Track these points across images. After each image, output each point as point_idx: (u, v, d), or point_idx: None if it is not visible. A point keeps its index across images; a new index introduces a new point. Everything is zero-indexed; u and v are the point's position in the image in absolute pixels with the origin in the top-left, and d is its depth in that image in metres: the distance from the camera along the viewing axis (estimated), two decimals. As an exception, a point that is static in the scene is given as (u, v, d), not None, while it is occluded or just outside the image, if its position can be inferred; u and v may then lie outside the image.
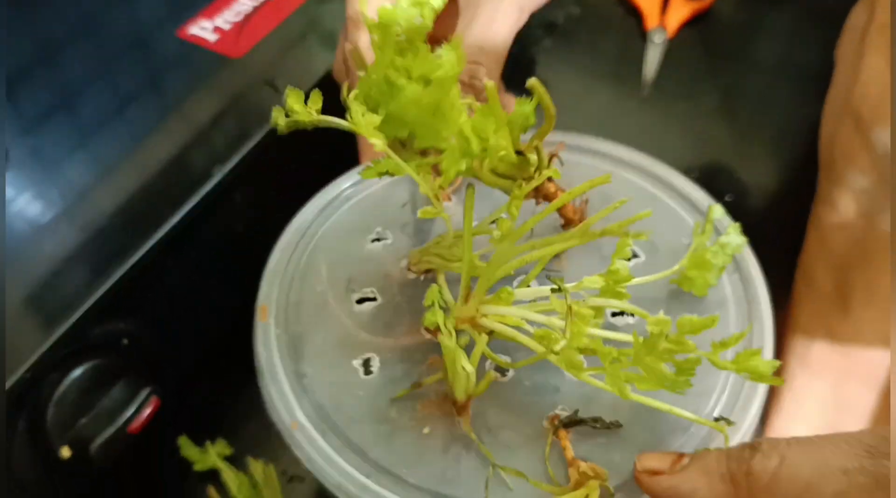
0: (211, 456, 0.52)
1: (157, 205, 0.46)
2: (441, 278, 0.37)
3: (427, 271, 0.38)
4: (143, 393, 0.44)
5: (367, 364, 0.35)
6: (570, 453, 0.32)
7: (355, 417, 0.34)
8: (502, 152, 0.31)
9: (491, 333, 0.33)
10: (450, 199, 0.41)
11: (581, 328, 0.31)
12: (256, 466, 0.51)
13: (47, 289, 0.43)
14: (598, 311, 0.31)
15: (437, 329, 0.35)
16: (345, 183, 0.43)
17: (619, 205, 0.31)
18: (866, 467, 0.26)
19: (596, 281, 0.32)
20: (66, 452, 0.43)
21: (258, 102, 0.51)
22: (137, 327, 0.47)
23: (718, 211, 0.40)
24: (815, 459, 0.27)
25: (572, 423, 0.33)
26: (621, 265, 0.32)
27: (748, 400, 0.34)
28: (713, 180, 0.51)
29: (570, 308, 0.31)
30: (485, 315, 0.33)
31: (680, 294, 0.37)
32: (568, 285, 0.32)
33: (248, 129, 0.49)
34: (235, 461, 0.51)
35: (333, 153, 0.52)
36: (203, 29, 0.55)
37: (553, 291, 0.32)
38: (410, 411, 0.34)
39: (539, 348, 0.31)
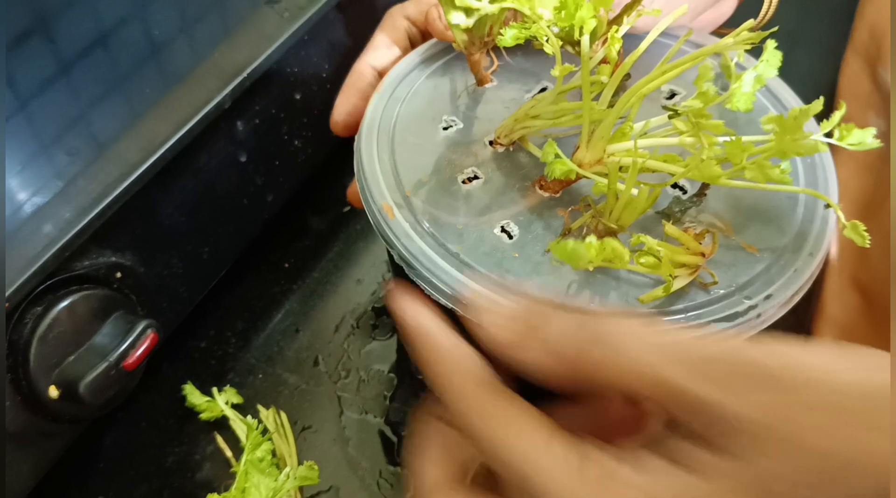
0: (218, 404, 0.50)
1: (155, 131, 0.44)
2: (528, 142, 0.40)
3: (512, 143, 0.40)
4: (140, 326, 0.42)
5: (505, 230, 0.37)
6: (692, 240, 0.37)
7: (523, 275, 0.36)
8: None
9: (619, 169, 0.37)
10: (492, 80, 0.44)
11: (712, 140, 0.35)
12: (268, 415, 0.50)
13: (32, 218, 0.40)
14: (718, 126, 0.36)
15: (559, 182, 0.38)
16: (391, 82, 0.44)
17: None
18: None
19: (696, 103, 0.37)
20: (53, 391, 0.40)
21: (260, 26, 0.51)
22: (133, 262, 0.45)
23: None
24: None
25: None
26: (708, 86, 0.38)
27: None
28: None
29: (696, 125, 0.36)
30: (612, 154, 0.37)
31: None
32: (669, 107, 0.36)
33: (249, 53, 0.48)
34: (242, 411, 0.51)
35: (332, 88, 0.53)
36: None
37: (670, 117, 0.37)
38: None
39: (676, 169, 0.36)
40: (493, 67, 0.44)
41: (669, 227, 0.35)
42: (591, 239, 0.32)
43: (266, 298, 0.57)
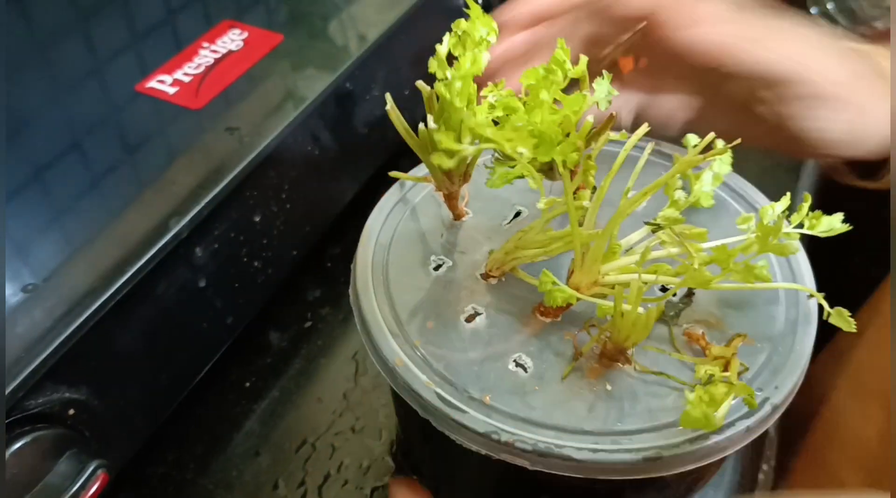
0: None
1: (111, 260, 0.44)
2: (521, 272, 0.41)
3: (504, 274, 0.42)
4: (90, 467, 0.42)
5: (519, 364, 0.39)
6: (703, 341, 0.39)
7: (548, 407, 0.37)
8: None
9: (613, 287, 0.38)
10: (467, 212, 0.45)
11: (698, 248, 0.37)
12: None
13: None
14: (702, 234, 0.38)
15: (559, 307, 0.39)
16: (372, 231, 0.45)
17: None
18: None
19: (671, 212, 0.39)
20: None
21: (217, 153, 0.51)
22: (87, 396, 0.44)
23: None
24: None
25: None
26: (680, 195, 0.40)
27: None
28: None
29: (681, 236, 0.38)
30: (607, 273, 0.38)
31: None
32: (651, 222, 0.39)
33: (205, 182, 0.48)
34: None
35: (292, 207, 0.55)
36: (162, 82, 0.56)
37: (653, 230, 0.39)
38: (580, 382, 0.38)
39: (673, 280, 0.38)
40: (466, 200, 0.45)
41: (716, 349, 0.38)
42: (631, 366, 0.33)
43: (226, 420, 0.56)
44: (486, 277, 0.42)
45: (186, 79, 0.56)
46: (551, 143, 0.35)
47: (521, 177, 0.36)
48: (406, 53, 0.65)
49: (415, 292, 0.42)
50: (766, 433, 0.60)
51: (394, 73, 0.64)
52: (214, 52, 0.59)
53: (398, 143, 0.41)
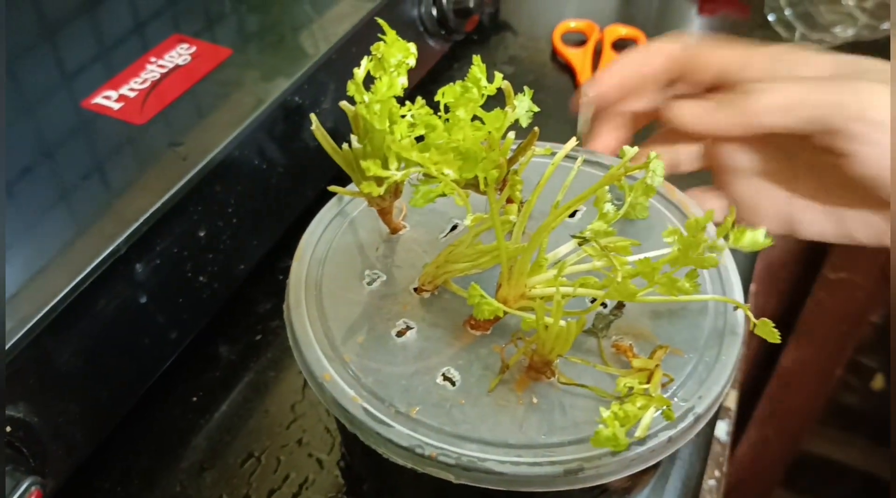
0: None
1: (49, 276, 0.44)
2: (453, 285, 0.42)
3: (436, 288, 0.42)
4: (24, 484, 0.41)
5: (447, 377, 0.39)
6: (630, 353, 0.40)
7: (473, 420, 0.38)
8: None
9: (539, 300, 0.39)
10: (404, 226, 0.45)
11: (623, 261, 0.38)
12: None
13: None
14: (626, 247, 0.39)
15: (488, 320, 0.40)
16: (309, 244, 0.45)
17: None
18: None
19: (599, 225, 0.40)
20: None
21: (160, 169, 0.51)
22: (25, 413, 0.44)
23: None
24: None
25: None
26: (609, 208, 0.41)
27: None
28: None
29: (606, 249, 0.38)
30: (533, 286, 0.39)
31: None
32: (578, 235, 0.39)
33: (146, 198, 0.49)
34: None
35: (239, 221, 0.55)
36: (107, 98, 0.56)
37: (579, 243, 0.39)
38: (508, 395, 0.39)
39: (597, 293, 0.38)
40: (403, 214, 0.46)
41: (638, 361, 0.38)
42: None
43: (172, 434, 0.56)
44: (419, 290, 0.43)
45: (132, 94, 0.56)
46: (474, 160, 0.35)
47: (444, 195, 0.36)
48: (356, 67, 0.65)
49: (349, 307, 0.42)
50: (713, 439, 0.60)
51: (344, 87, 0.64)
52: (161, 66, 0.59)
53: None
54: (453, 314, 0.42)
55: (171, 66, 0.59)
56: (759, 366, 1.17)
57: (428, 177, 0.38)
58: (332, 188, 0.46)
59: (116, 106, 0.55)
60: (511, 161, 0.40)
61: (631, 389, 0.36)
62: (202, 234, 0.54)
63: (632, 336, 0.40)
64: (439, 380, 0.39)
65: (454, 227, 0.46)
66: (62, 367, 0.46)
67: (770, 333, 0.38)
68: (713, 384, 0.39)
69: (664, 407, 0.36)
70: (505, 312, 0.39)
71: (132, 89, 0.57)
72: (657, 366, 0.38)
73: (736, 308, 0.41)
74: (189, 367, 0.58)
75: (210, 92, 0.57)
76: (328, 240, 0.45)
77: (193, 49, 0.61)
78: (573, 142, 0.40)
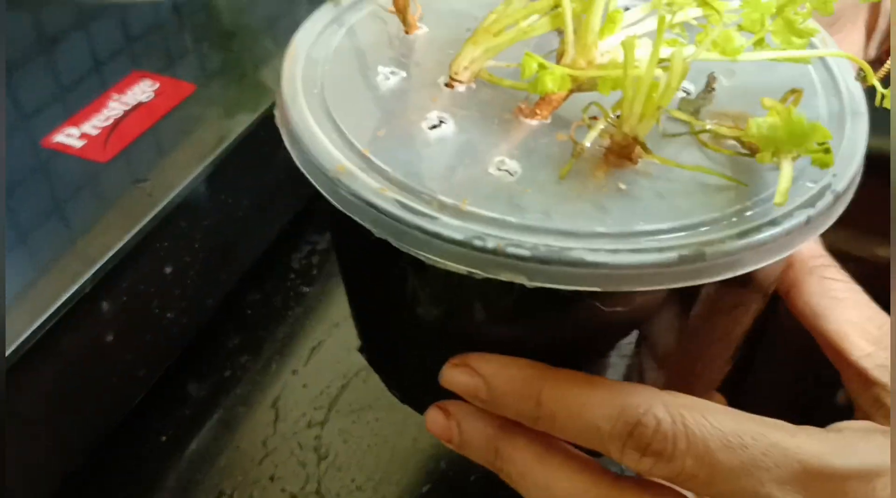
0: None
1: (11, 316, 0.42)
2: (492, 76, 0.33)
3: (474, 78, 0.34)
4: None
5: (500, 168, 0.30)
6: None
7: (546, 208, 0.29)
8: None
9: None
10: (420, 27, 0.37)
11: (720, 6, 0.30)
12: None
13: None
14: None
15: (549, 102, 0.31)
16: (304, 43, 0.36)
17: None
18: None
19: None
20: None
21: (124, 206, 0.49)
22: None
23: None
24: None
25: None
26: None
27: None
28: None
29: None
30: (604, 53, 0.31)
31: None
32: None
33: (110, 235, 0.47)
34: None
35: (206, 256, 0.54)
36: (69, 136, 0.53)
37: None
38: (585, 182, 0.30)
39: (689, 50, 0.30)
40: (419, 12, 0.37)
41: (769, 100, 0.29)
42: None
43: (140, 476, 0.53)
44: (450, 84, 0.34)
45: (94, 131, 0.53)
46: None
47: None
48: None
49: (360, 103, 0.33)
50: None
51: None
52: (124, 103, 0.56)
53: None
54: (497, 107, 0.32)
55: (133, 103, 0.56)
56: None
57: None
58: None
59: (79, 144, 0.53)
60: None
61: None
62: (168, 270, 0.52)
63: (730, 120, 0.32)
64: (493, 170, 0.29)
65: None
66: (26, 408, 0.44)
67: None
68: (848, 160, 0.30)
69: (821, 139, 0.27)
70: (575, 84, 0.30)
71: (95, 127, 0.54)
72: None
73: (860, 71, 0.33)
74: (157, 405, 0.55)
75: (174, 128, 0.55)
76: (326, 44, 0.36)
77: (157, 85, 0.57)
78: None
